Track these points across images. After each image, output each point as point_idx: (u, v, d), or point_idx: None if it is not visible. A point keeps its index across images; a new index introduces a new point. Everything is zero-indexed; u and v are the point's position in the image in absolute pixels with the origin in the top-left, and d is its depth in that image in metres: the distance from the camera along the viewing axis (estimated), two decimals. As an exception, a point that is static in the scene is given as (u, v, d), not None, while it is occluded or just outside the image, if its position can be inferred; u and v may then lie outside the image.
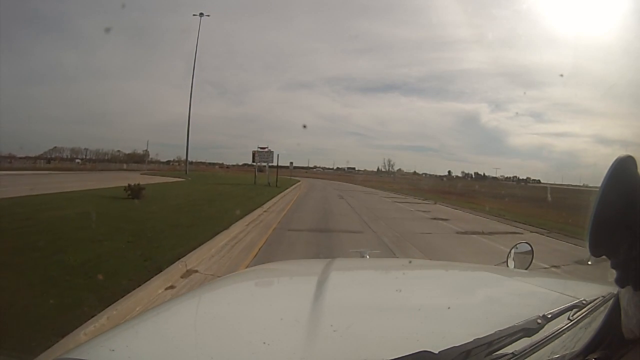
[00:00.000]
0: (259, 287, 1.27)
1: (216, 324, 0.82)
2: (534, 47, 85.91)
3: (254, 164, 23.15)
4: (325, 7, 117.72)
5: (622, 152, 0.50)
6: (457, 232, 9.06)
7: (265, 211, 10.40)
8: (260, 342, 0.68)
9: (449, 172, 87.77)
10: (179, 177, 28.23)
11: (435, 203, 18.40)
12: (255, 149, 22.91)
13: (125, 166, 56.06)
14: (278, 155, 23.35)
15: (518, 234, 9.33)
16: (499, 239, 8.20)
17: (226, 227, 6.87)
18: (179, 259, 4.41)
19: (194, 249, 5.01)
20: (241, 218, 8.11)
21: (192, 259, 4.62)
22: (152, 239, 5.40)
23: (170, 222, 6.99)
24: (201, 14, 34.40)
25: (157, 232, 5.95)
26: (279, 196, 15.17)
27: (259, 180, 22.18)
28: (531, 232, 9.97)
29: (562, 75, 57.76)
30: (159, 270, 3.94)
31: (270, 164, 23.17)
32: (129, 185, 10.84)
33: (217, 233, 6.30)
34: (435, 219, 11.76)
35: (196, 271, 4.36)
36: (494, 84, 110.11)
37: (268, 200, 12.51)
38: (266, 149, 22.79)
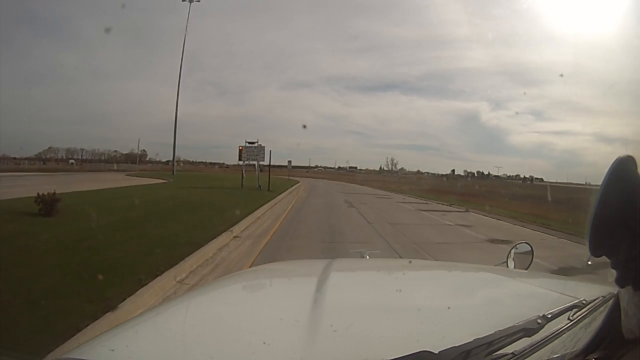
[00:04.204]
0: (259, 287, 1.27)
1: (216, 324, 0.82)
2: (534, 46, 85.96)
3: (241, 162, 18.74)
4: (324, 7, 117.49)
5: (622, 151, 0.50)
6: (554, 272, 5.45)
7: (236, 237, 6.31)
8: (260, 342, 0.68)
9: (453, 171, 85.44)
10: (163, 179, 26.45)
11: (466, 210, 14.26)
12: (243, 145, 18.32)
13: (115, 166, 53.10)
14: (270, 151, 19.16)
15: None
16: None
17: (115, 306, 2.77)
18: None
19: None
20: (178, 262, 4.11)
21: None
22: None
23: (12, 285, 3.54)
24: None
25: None
26: (266, 206, 11.06)
27: (248, 182, 17.86)
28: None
29: (562, 75, 59.81)
30: None
31: (261, 162, 18.82)
32: (39, 195, 7.91)
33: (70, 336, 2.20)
34: (492, 241, 8.03)
35: None
36: (494, 83, 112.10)
37: (249, 214, 8.47)
38: (256, 144, 18.45)
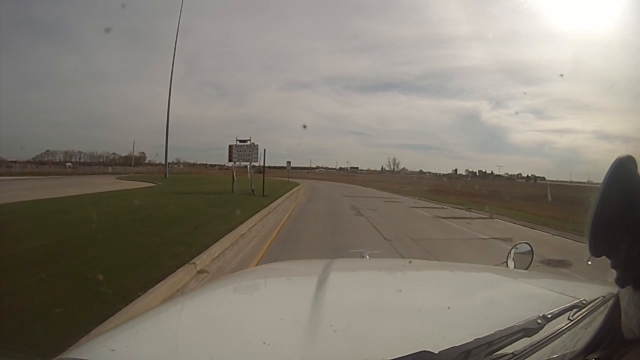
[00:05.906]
0: (259, 287, 1.27)
1: (216, 324, 0.81)
2: (534, 44, 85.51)
3: (230, 163, 16.58)
4: (323, 6, 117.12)
5: (623, 148, 0.46)
6: None
7: (200, 272, 4.18)
8: (260, 342, 0.67)
9: (455, 170, 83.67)
10: (153, 182, 25.29)
11: (491, 217, 12.24)
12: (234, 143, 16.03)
13: (110, 169, 51.62)
14: (265, 150, 16.96)
15: None
16: None
17: None
18: None
19: None
20: (80, 339, 2.00)
21: None
22: None
23: None
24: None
25: None
26: (256, 216, 9.05)
27: (242, 185, 15.77)
28: None
29: (562, 75, 60.80)
30: None
31: (254, 163, 16.61)
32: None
33: None
34: (548, 263, 6.18)
35: None
36: (494, 81, 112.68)
37: (230, 231, 6.43)
38: (248, 142, 16.21)
